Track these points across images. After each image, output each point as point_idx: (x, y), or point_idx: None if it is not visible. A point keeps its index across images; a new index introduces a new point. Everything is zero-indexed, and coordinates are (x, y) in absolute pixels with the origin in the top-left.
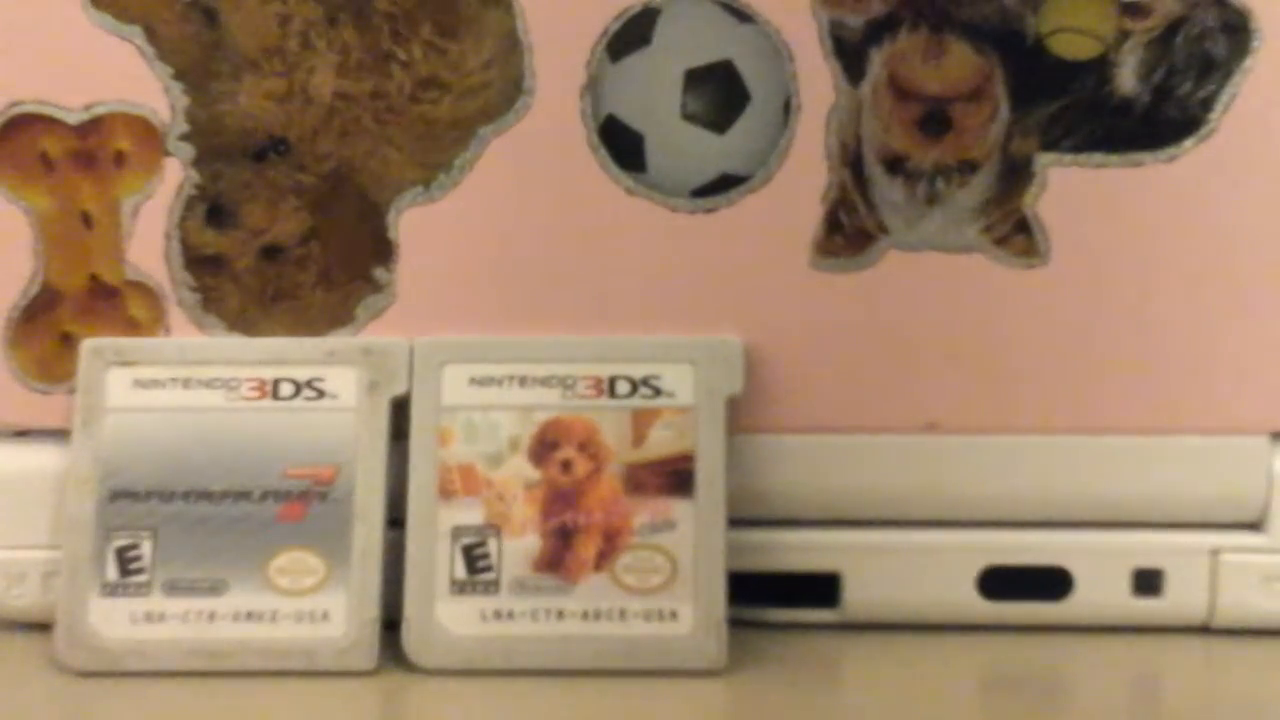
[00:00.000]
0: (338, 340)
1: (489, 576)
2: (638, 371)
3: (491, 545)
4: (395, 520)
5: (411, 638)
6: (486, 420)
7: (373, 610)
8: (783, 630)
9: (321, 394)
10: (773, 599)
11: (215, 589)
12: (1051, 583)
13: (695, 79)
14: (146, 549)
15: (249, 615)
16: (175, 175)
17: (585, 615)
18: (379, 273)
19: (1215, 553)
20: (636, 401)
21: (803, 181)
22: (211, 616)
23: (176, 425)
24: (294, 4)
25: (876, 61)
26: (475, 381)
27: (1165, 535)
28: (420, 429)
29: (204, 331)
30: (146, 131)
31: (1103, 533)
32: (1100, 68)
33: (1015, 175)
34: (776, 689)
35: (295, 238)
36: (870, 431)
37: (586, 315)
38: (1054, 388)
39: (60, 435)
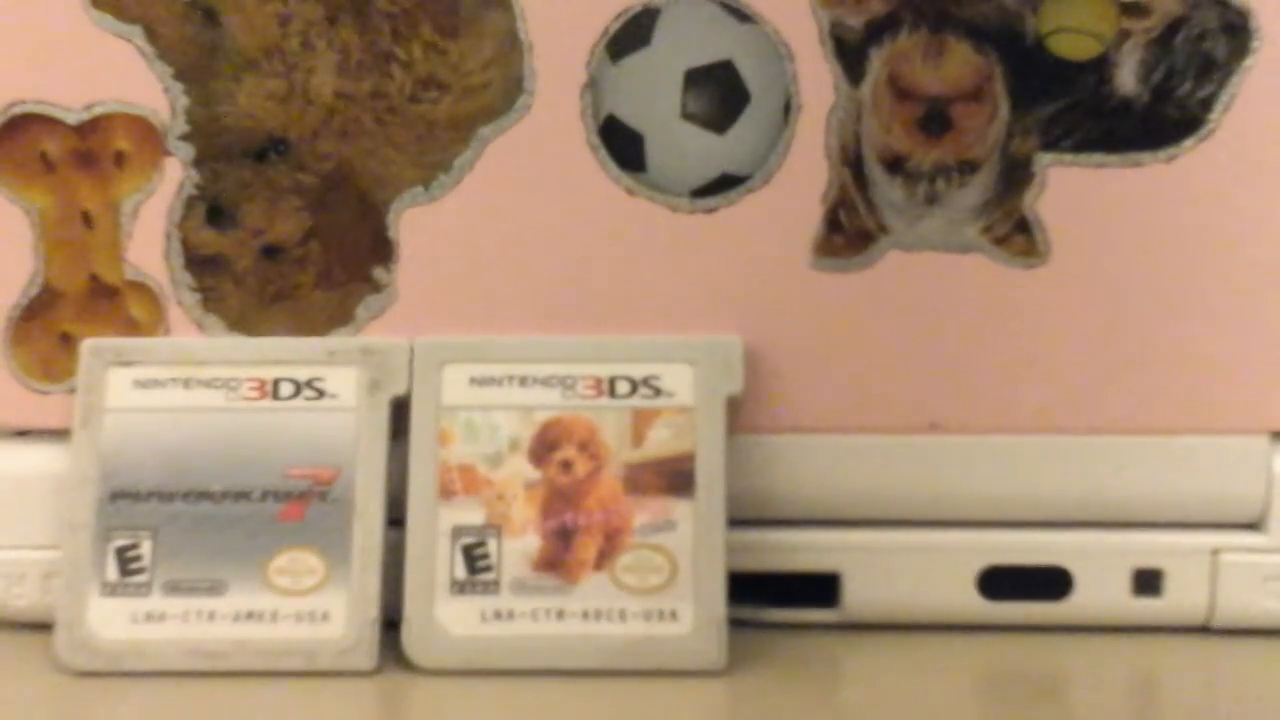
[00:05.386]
0: (338, 340)
1: (489, 576)
2: (638, 371)
3: (491, 545)
4: (395, 520)
5: (411, 638)
6: (486, 420)
7: (373, 610)
8: (783, 630)
9: (321, 394)
10: (773, 599)
11: (215, 589)
12: (1051, 583)
13: (695, 79)
14: (146, 549)
15: (249, 615)
16: (175, 175)
17: (585, 615)
18: (379, 273)
19: (1215, 553)
20: (636, 401)
21: (803, 181)
22: (211, 616)
23: (176, 425)
24: (294, 4)
25: (876, 61)
26: (475, 381)
27: (1165, 535)
28: (420, 429)
29: (204, 331)
30: (146, 131)
31: (1103, 533)
32: (1100, 68)
33: (1015, 175)
34: (776, 689)
35: (295, 238)
36: (870, 431)
37: (586, 315)
38: (1054, 388)
39: (60, 435)
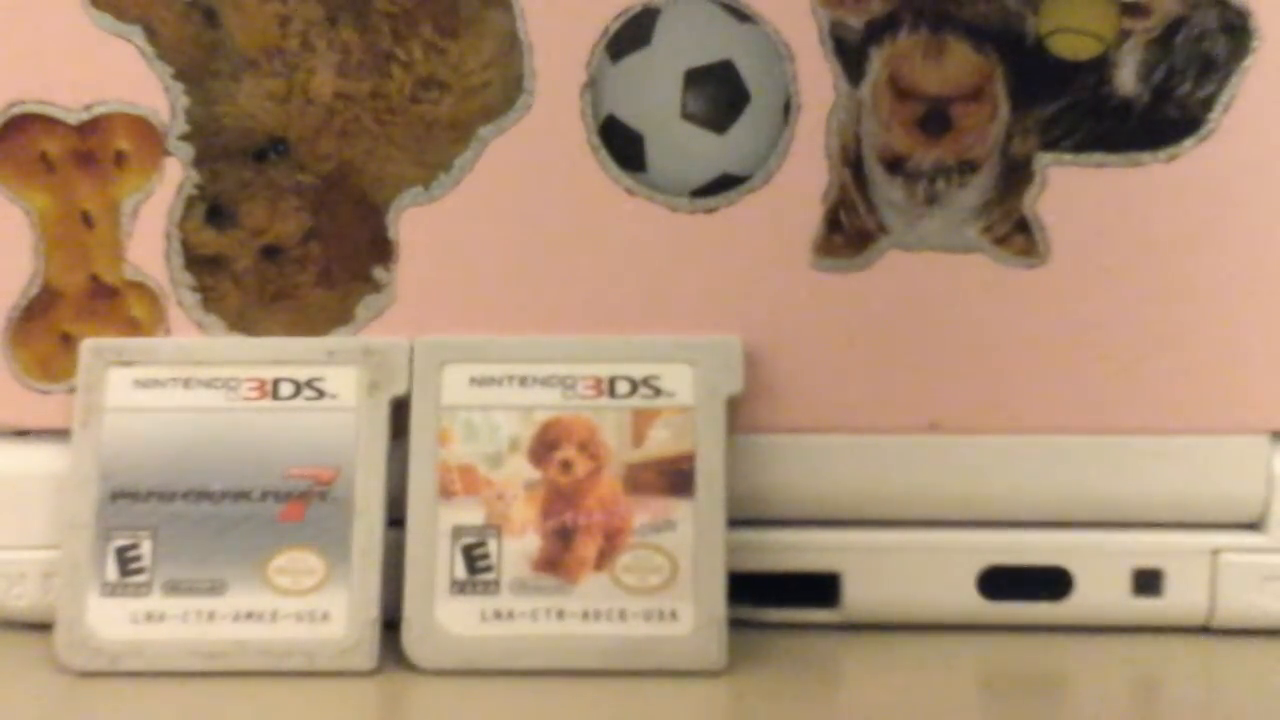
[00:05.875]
0: (338, 340)
1: (489, 576)
2: (638, 371)
3: (491, 545)
4: (395, 520)
5: (411, 638)
6: (486, 420)
7: (373, 610)
8: (783, 630)
9: (321, 394)
10: (773, 599)
11: (215, 589)
12: (1051, 583)
13: (695, 79)
14: (146, 549)
15: (249, 615)
16: (175, 175)
17: (585, 615)
18: (379, 273)
19: (1215, 553)
20: (636, 401)
21: (803, 181)
22: (211, 616)
23: (176, 425)
24: (294, 4)
25: (876, 61)
26: (475, 381)
27: (1165, 535)
28: (420, 429)
29: (204, 331)
30: (146, 131)
31: (1103, 533)
32: (1100, 68)
33: (1015, 175)
34: (776, 689)
35: (295, 238)
36: (870, 431)
37: (586, 315)
38: (1054, 388)
39: (60, 435)
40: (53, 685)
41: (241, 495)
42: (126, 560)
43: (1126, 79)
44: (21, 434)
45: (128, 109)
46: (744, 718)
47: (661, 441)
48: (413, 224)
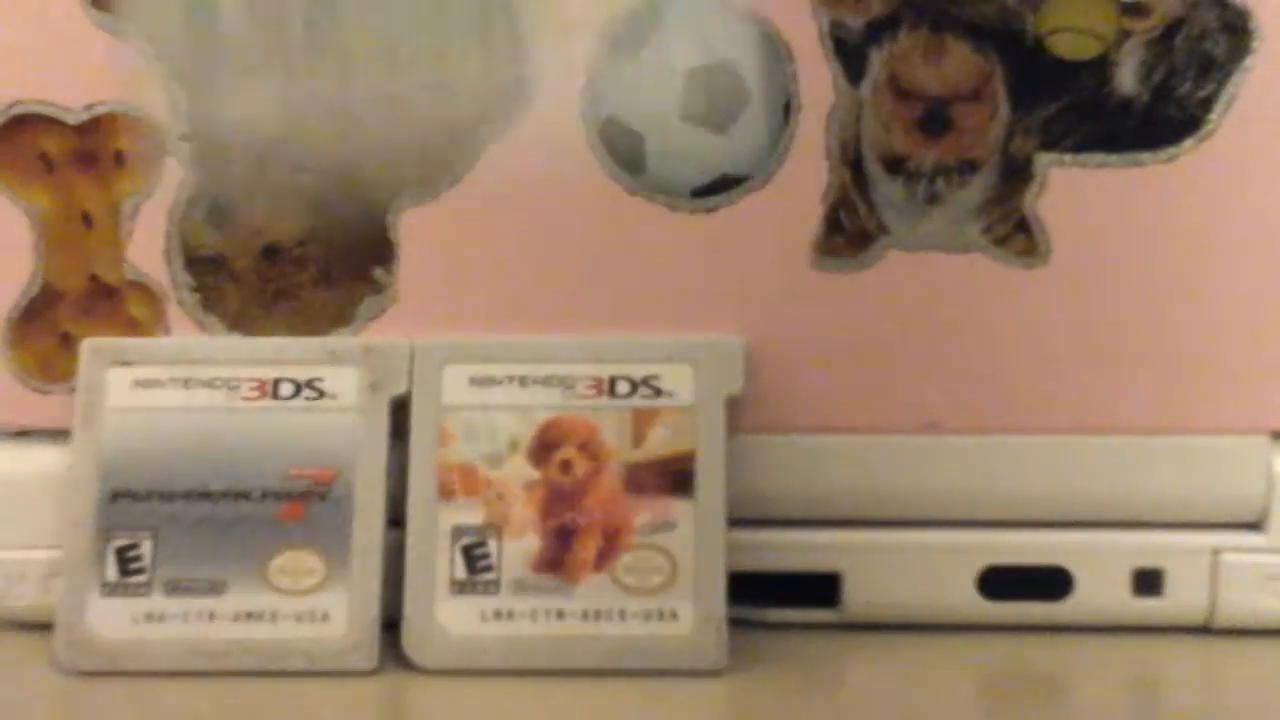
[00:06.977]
0: (338, 340)
1: (489, 576)
2: (638, 371)
3: (491, 545)
4: (395, 520)
5: (411, 638)
6: (486, 420)
7: (373, 610)
8: (783, 630)
9: (322, 394)
10: (773, 599)
11: (215, 589)
12: (1051, 583)
13: (695, 79)
14: (146, 549)
15: (249, 615)
16: (175, 175)
17: (585, 615)
18: (379, 273)
19: (1215, 553)
20: (636, 401)
21: (803, 181)
22: (211, 616)
23: (176, 425)
24: (294, 4)
25: (876, 61)
26: (475, 381)
27: (1165, 535)
28: (420, 429)
29: (204, 331)
30: (146, 131)
31: (1103, 533)
32: (1100, 68)
33: (1015, 175)
34: (776, 689)
35: (295, 238)
36: (870, 431)
37: (586, 315)
38: (1054, 388)
39: (60, 435)
40: (53, 685)
41: (241, 495)
42: (126, 560)
43: (1126, 79)
44: (21, 434)
45: (128, 109)
46: (744, 718)
47: (661, 441)
48: (413, 224)
